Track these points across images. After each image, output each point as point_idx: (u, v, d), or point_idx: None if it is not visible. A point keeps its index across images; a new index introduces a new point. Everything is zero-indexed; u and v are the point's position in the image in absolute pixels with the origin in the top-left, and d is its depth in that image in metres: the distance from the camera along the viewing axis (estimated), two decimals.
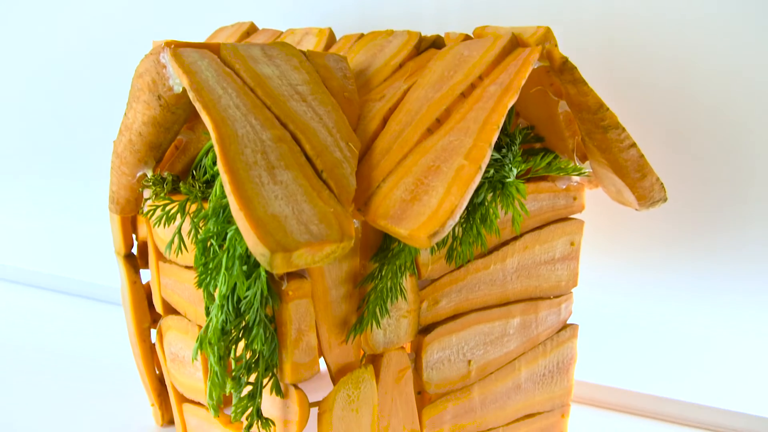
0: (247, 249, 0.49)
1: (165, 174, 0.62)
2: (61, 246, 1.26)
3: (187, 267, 0.61)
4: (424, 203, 0.47)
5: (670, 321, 0.85)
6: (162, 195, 0.59)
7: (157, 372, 0.82)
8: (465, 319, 0.60)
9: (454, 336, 0.60)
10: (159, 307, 0.68)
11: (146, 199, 0.62)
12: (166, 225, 0.57)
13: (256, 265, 0.49)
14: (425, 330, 0.58)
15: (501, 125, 0.50)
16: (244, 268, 0.49)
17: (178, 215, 0.57)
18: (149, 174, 0.61)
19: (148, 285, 0.78)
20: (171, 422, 0.83)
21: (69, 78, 1.12)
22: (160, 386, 0.81)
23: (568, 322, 0.69)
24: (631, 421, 0.84)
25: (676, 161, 0.76)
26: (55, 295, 1.23)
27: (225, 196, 0.51)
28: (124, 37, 1.04)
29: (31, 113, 1.19)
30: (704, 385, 0.85)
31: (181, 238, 0.56)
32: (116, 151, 0.61)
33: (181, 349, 0.64)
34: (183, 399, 0.66)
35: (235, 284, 0.49)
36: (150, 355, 0.80)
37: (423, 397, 0.60)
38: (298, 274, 0.51)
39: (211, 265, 0.50)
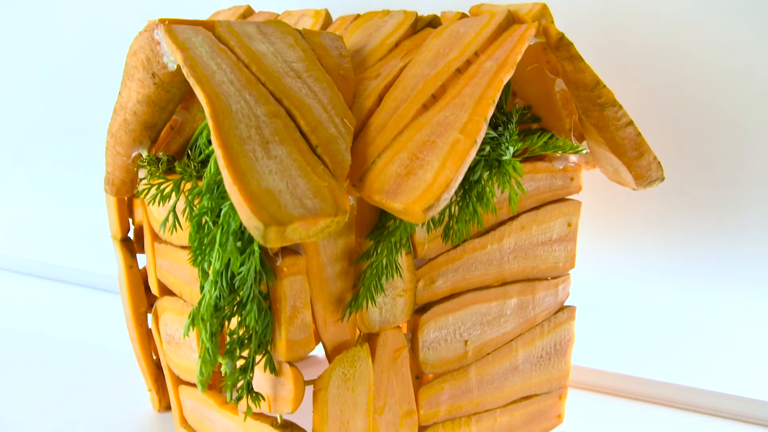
0: (241, 224, 0.48)
1: (160, 154, 0.61)
2: (58, 235, 1.26)
3: (182, 247, 0.61)
4: (419, 177, 0.47)
5: (667, 305, 0.85)
6: (157, 175, 0.59)
7: (154, 357, 0.81)
8: (462, 299, 0.60)
9: (451, 316, 0.59)
10: (155, 289, 0.68)
11: (141, 179, 0.62)
12: (161, 204, 0.57)
13: (250, 240, 0.49)
14: (421, 309, 0.58)
15: (497, 100, 0.49)
16: (238, 244, 0.49)
17: (173, 194, 0.57)
18: (144, 154, 0.61)
19: (144, 270, 0.78)
20: (168, 408, 0.83)
21: (66, 64, 1.12)
22: (157, 371, 0.81)
23: (565, 304, 0.68)
24: (628, 405, 0.84)
25: (674, 143, 0.76)
26: (52, 284, 1.23)
27: (219, 173, 0.51)
28: (121, 23, 1.04)
29: (27, 101, 1.19)
30: (702, 369, 0.84)
31: (176, 216, 0.55)
32: (111, 131, 0.61)
33: (177, 330, 0.64)
34: (179, 381, 0.66)
35: (229, 260, 0.49)
36: (147, 340, 0.80)
37: (420, 378, 0.60)
38: (292, 251, 0.50)
39: (205, 241, 0.50)
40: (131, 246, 0.77)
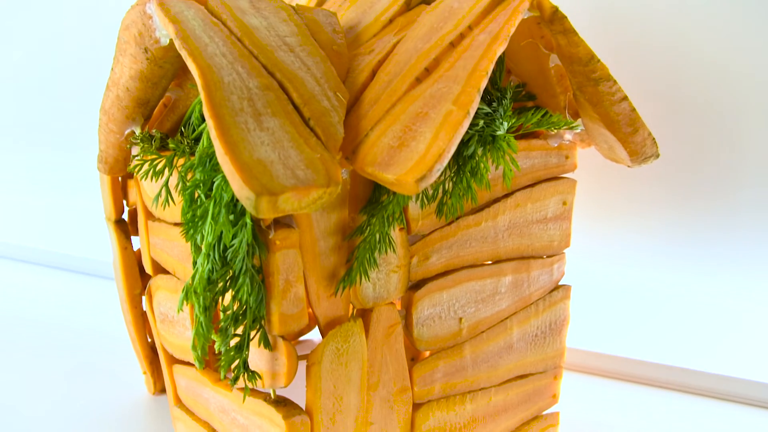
0: (233, 196, 0.48)
1: (153, 132, 0.61)
2: (52, 221, 1.26)
3: (175, 224, 0.61)
4: (412, 149, 0.47)
5: (661, 286, 0.85)
6: (150, 151, 0.59)
7: (149, 340, 0.81)
8: (456, 276, 0.60)
9: (445, 292, 0.59)
10: (149, 268, 0.67)
11: (134, 156, 0.61)
12: (154, 179, 0.56)
13: (243, 213, 0.48)
14: (415, 286, 0.58)
15: (490, 72, 0.49)
16: (231, 217, 0.49)
17: (166, 169, 0.56)
18: (137, 131, 0.61)
19: (139, 252, 0.77)
20: (163, 390, 0.83)
21: (61, 47, 1.12)
22: (151, 354, 0.81)
23: (560, 283, 0.68)
24: (622, 387, 0.84)
25: (669, 123, 0.76)
26: (46, 270, 1.23)
27: (212, 146, 0.51)
28: (116, 2, 1.03)
29: (22, 86, 1.18)
30: (697, 350, 0.84)
31: (168, 191, 0.55)
32: (103, 108, 0.61)
33: (171, 308, 0.64)
34: (173, 360, 0.66)
35: (222, 233, 0.49)
36: (141, 322, 0.80)
37: (415, 360, 0.60)
38: (285, 224, 0.50)
39: (197, 213, 0.49)
40: (125, 228, 0.77)
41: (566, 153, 0.65)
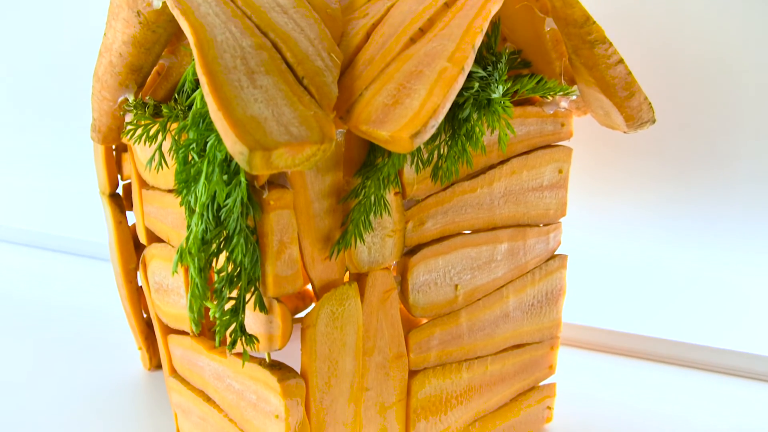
0: (227, 155, 0.48)
1: (147, 99, 0.61)
2: (46, 202, 1.26)
3: (169, 191, 0.60)
4: (406, 106, 0.46)
5: (656, 259, 0.85)
6: (144, 117, 0.58)
7: (145, 316, 0.81)
8: (451, 242, 0.59)
9: (441, 258, 0.59)
10: (143, 238, 0.67)
11: (128, 123, 0.61)
12: (147, 143, 0.56)
13: (237, 172, 0.48)
14: (411, 252, 0.58)
15: (485, 29, 0.49)
16: (225, 177, 0.48)
17: (159, 134, 0.56)
18: (131, 99, 0.61)
19: (134, 227, 0.77)
20: (159, 366, 0.83)
21: (56, 30, 1.11)
22: (147, 330, 0.81)
23: (556, 253, 0.68)
24: (618, 361, 0.84)
25: (665, 93, 0.75)
26: (41, 252, 1.23)
27: (205, 106, 0.50)
28: None
29: (17, 69, 1.18)
30: (694, 323, 0.84)
31: (162, 154, 0.55)
32: (96, 75, 0.60)
33: (165, 277, 0.63)
34: (168, 330, 0.66)
35: (215, 193, 0.48)
36: (137, 297, 0.80)
37: (410, 321, 0.59)
38: (279, 185, 0.50)
39: (191, 172, 0.49)
40: (120, 202, 0.77)
41: (562, 120, 0.64)
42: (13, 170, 1.25)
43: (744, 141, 0.75)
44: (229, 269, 0.49)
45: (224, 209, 0.48)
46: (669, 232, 0.83)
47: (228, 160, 0.48)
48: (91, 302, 1.01)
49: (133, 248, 0.78)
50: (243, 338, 0.51)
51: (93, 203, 0.85)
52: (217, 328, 0.50)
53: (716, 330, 0.82)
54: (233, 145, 0.42)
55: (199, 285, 0.50)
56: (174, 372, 0.66)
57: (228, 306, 0.50)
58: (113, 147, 0.74)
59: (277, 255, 0.50)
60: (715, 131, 0.76)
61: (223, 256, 0.50)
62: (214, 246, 0.49)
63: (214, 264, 0.50)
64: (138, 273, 0.78)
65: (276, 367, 0.53)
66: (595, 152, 0.82)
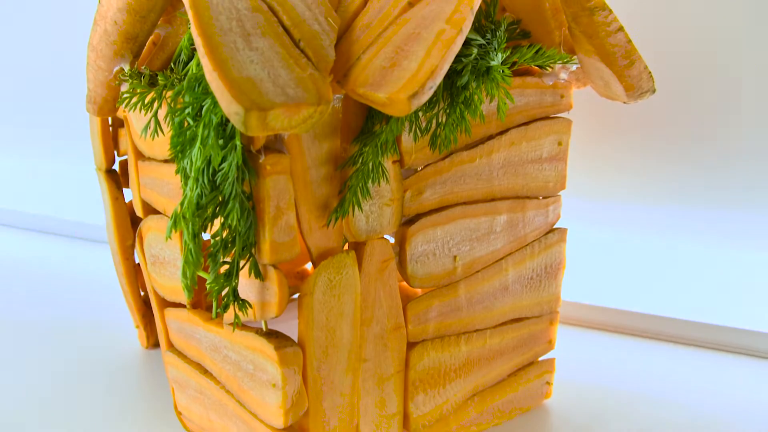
0: (222, 119, 0.47)
1: (143, 68, 0.60)
2: (42, 186, 1.25)
3: (165, 161, 0.60)
4: (404, 68, 0.46)
5: (656, 237, 0.85)
6: (140, 86, 0.58)
7: (142, 294, 0.81)
8: (450, 212, 0.59)
9: (439, 229, 0.58)
10: (139, 211, 0.67)
11: (123, 92, 0.61)
12: (142, 111, 0.55)
13: (232, 135, 0.48)
14: (409, 222, 0.57)
15: None
16: (220, 141, 0.48)
17: (155, 102, 0.55)
18: (126, 68, 0.60)
19: (130, 204, 0.77)
20: (156, 345, 0.83)
21: (53, 15, 1.11)
22: (144, 308, 0.80)
23: (556, 226, 0.67)
24: (616, 340, 0.84)
25: (664, 68, 0.75)
26: (35, 234, 1.23)
27: (201, 70, 0.50)
28: None
29: (12, 51, 1.17)
30: (693, 301, 0.84)
31: (157, 122, 0.54)
32: (91, 44, 0.60)
33: (162, 249, 0.63)
34: (164, 304, 0.65)
35: (210, 156, 0.48)
36: (134, 274, 0.79)
37: (408, 293, 0.59)
38: (276, 150, 0.49)
39: (187, 135, 0.49)
40: (116, 178, 0.76)
41: (561, 92, 0.64)
42: (7, 151, 1.24)
43: (743, 113, 0.75)
44: (224, 234, 0.49)
45: (219, 173, 0.48)
46: (669, 211, 0.82)
47: (224, 123, 0.48)
48: (88, 282, 1.01)
49: (130, 225, 0.77)
50: (236, 303, 0.50)
51: (89, 186, 0.84)
52: (209, 290, 0.50)
53: (717, 307, 0.82)
54: (229, 106, 0.42)
55: (192, 251, 0.49)
56: (171, 346, 0.65)
57: (222, 270, 0.50)
58: (110, 122, 0.74)
59: (274, 221, 0.49)
60: (714, 104, 0.76)
61: (218, 222, 0.49)
62: (209, 210, 0.49)
63: (209, 229, 0.50)
64: (135, 251, 0.78)
65: (273, 335, 0.53)
66: (592, 128, 0.81)
